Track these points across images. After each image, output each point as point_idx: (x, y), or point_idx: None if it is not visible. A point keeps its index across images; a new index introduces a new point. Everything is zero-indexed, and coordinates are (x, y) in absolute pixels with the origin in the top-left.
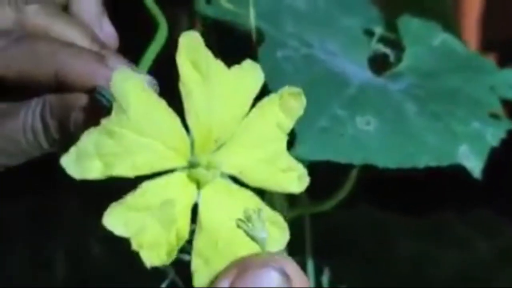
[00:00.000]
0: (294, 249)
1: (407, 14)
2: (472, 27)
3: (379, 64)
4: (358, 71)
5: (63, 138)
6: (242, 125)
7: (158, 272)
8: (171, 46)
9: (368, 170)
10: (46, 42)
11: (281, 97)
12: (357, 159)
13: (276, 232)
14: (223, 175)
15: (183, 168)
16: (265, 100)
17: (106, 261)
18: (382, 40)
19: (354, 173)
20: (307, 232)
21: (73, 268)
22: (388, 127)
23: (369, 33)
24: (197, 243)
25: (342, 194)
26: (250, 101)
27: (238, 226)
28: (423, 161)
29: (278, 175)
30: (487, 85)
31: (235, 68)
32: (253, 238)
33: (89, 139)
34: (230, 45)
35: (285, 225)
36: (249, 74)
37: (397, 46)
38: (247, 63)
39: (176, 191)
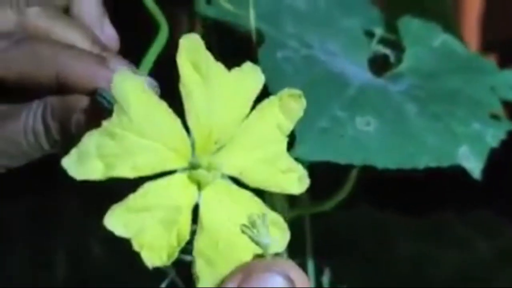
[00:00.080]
0: (295, 249)
1: (407, 15)
2: (472, 27)
3: (379, 65)
4: (358, 72)
5: (64, 139)
6: (242, 127)
7: (158, 272)
8: (171, 47)
9: (368, 171)
10: (47, 44)
11: (281, 99)
12: (357, 160)
13: (276, 234)
14: (223, 176)
15: (184, 169)
16: (265, 102)
17: (106, 261)
18: (382, 41)
19: (354, 174)
20: (307, 232)
21: (73, 268)
22: (388, 127)
23: (370, 34)
24: (198, 244)
25: (342, 194)
26: (250, 103)
27: (243, 232)
28: (423, 161)
29: (278, 176)
30: (487, 86)
31: (235, 70)
32: (257, 243)
33: (90, 140)
34: (230, 45)
35: (285, 226)
36: (249, 76)
37: (397, 47)
38: (247, 66)
39: (177, 192)
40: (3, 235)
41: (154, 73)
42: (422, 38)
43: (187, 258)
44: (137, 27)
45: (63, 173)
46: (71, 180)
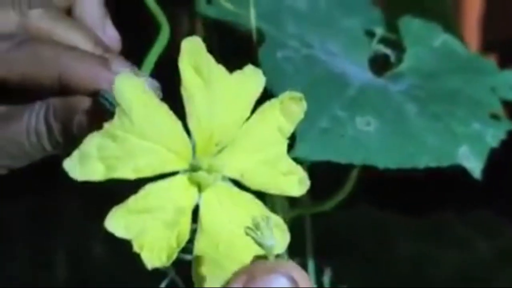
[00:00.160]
0: (295, 249)
1: (407, 15)
2: (472, 28)
3: (379, 64)
4: (358, 72)
5: (66, 141)
6: (243, 129)
7: (158, 272)
8: (172, 47)
9: (368, 171)
10: (50, 45)
11: (282, 102)
12: (357, 160)
13: (277, 235)
14: (224, 178)
15: (185, 171)
16: (266, 105)
17: (107, 262)
18: (383, 40)
19: (354, 174)
20: (307, 232)
21: (73, 269)
22: (388, 127)
23: (370, 34)
24: (198, 246)
25: (342, 194)
26: (251, 106)
27: (247, 234)
28: (423, 161)
29: (279, 178)
30: (487, 86)
31: (237, 73)
32: (261, 246)
33: (91, 142)
34: (231, 45)
35: (285, 228)
36: (251, 79)
37: (398, 46)
38: (249, 68)
39: (178, 194)
40: (3, 235)
41: (155, 75)
42: (422, 38)
43: (187, 257)
44: (138, 28)
45: (64, 173)
46: (72, 180)
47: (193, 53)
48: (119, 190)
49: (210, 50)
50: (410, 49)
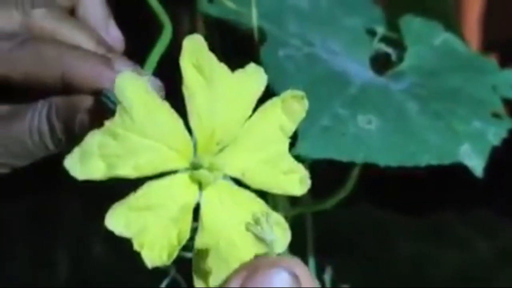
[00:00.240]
0: (296, 247)
1: (409, 14)
2: (472, 27)
3: (381, 63)
4: (360, 71)
5: (68, 139)
6: (245, 128)
7: (159, 271)
8: (174, 47)
9: (369, 170)
10: (52, 44)
11: (283, 100)
12: (359, 158)
13: (278, 233)
14: (225, 177)
15: (186, 169)
16: (268, 103)
17: (107, 261)
18: (384, 39)
19: (355, 172)
20: (308, 231)
21: (74, 268)
22: (390, 126)
23: (371, 33)
24: (199, 244)
25: (343, 192)
26: (253, 104)
27: (247, 229)
28: (424, 160)
29: (280, 177)
30: (488, 85)
31: (239, 71)
32: (262, 241)
33: (92, 140)
34: (232, 44)
35: (286, 226)
36: (252, 78)
37: (399, 45)
38: (251, 67)
39: (178, 192)
40: (3, 235)
41: (156, 73)
42: (423, 36)
43: (188, 255)
44: (139, 28)
45: (64, 173)
46: (72, 180)
47: (194, 51)
48: (119, 190)
49: (212, 49)
50: (411, 48)
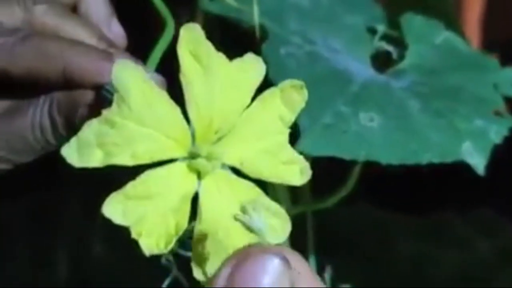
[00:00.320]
0: (296, 246)
1: (409, 12)
2: (473, 26)
3: (381, 61)
4: (361, 68)
5: (70, 134)
6: (243, 117)
7: (159, 271)
8: (175, 44)
9: (369, 169)
10: (54, 40)
11: (282, 90)
12: (361, 155)
13: (277, 223)
14: (224, 166)
15: (184, 158)
16: (267, 93)
17: (107, 261)
18: (385, 37)
19: (357, 170)
20: (309, 229)
21: (74, 268)
22: (392, 123)
23: (372, 31)
24: (197, 233)
25: (345, 191)
26: (252, 93)
27: (235, 219)
28: (426, 158)
29: (280, 167)
30: (490, 83)
31: (237, 60)
32: (251, 230)
33: (90, 129)
34: (234, 42)
35: (286, 216)
36: (251, 67)
37: (400, 43)
38: (249, 56)
39: (176, 181)
40: (3, 235)
41: (159, 70)
42: (424, 35)
43: (189, 254)
44: (140, 25)
45: (64, 173)
46: (72, 180)
47: (191, 40)
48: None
49: (212, 44)
50: (412, 46)
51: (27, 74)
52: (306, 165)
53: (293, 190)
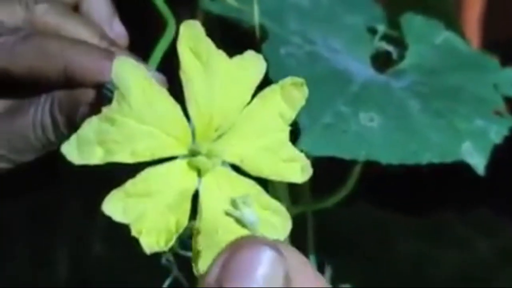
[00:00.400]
0: (296, 246)
1: (409, 12)
2: (473, 26)
3: (381, 61)
4: (361, 69)
5: (71, 133)
6: (244, 114)
7: (160, 271)
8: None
9: (369, 169)
10: (55, 39)
11: (283, 87)
12: (361, 155)
13: (278, 221)
14: (224, 163)
15: (184, 156)
16: (267, 90)
17: (107, 261)
18: (385, 37)
19: (357, 170)
20: (309, 229)
21: (74, 268)
22: (392, 123)
23: (372, 31)
24: (198, 231)
25: (345, 191)
26: (252, 91)
27: (227, 214)
28: (426, 157)
29: (280, 165)
30: (490, 83)
31: (237, 57)
32: (243, 225)
33: (89, 126)
34: (234, 42)
35: (287, 214)
36: (251, 64)
37: (400, 44)
38: (249, 53)
39: (177, 178)
40: (3, 235)
41: (160, 69)
42: (424, 35)
43: (190, 254)
44: (142, 24)
45: (64, 172)
46: (72, 180)
47: (191, 37)
48: None
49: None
50: (412, 46)
51: (28, 73)
52: (307, 162)
53: (293, 190)
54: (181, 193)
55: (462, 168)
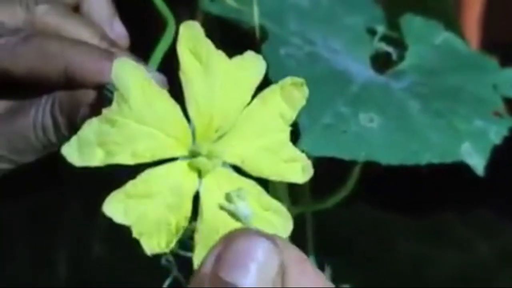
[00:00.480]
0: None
1: (409, 13)
2: (472, 27)
3: (381, 62)
4: (360, 69)
5: (72, 134)
6: (244, 115)
7: (159, 271)
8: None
9: (369, 169)
10: (55, 40)
11: (283, 88)
12: (360, 156)
13: (279, 222)
14: (224, 164)
15: (184, 157)
16: (267, 90)
17: (107, 261)
18: (385, 38)
19: (356, 170)
20: (308, 230)
21: (74, 268)
22: (391, 124)
23: (372, 32)
24: (199, 232)
25: (344, 191)
26: (252, 91)
27: (221, 208)
28: (426, 158)
29: (281, 165)
30: (489, 84)
31: (237, 58)
32: (237, 218)
33: (90, 128)
34: (234, 42)
35: (288, 215)
36: (251, 64)
37: (399, 44)
38: (249, 54)
39: (177, 179)
40: (3, 235)
41: (160, 69)
42: (424, 36)
43: (189, 255)
44: (142, 25)
45: (64, 172)
46: (72, 180)
47: (191, 37)
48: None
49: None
50: (412, 47)
51: (29, 74)
52: (308, 163)
53: (293, 191)
54: (181, 194)
55: (461, 169)
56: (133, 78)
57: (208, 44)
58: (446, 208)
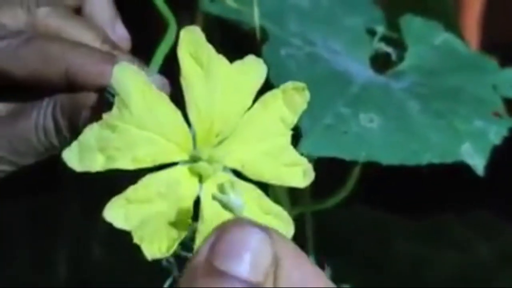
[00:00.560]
0: None
1: (409, 14)
2: (472, 27)
3: (381, 63)
4: (360, 70)
5: (73, 137)
6: (245, 119)
7: (159, 271)
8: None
9: (369, 170)
10: (57, 42)
11: (284, 92)
12: (361, 156)
13: (280, 226)
14: (225, 169)
15: (185, 162)
16: (268, 95)
17: (107, 261)
18: (384, 39)
19: (356, 171)
20: (308, 230)
21: (74, 269)
22: (392, 124)
23: (372, 32)
24: (199, 236)
25: (344, 192)
26: (253, 95)
27: (213, 199)
28: (426, 158)
29: (281, 169)
30: (489, 84)
31: (238, 62)
32: (230, 209)
33: (91, 133)
34: (234, 43)
35: (289, 219)
36: (252, 69)
37: (399, 45)
38: (250, 58)
39: (178, 184)
40: (3, 236)
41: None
42: (423, 36)
43: (190, 255)
44: (144, 27)
45: (64, 174)
46: (72, 180)
47: (192, 42)
48: (120, 190)
49: (212, 46)
50: (411, 47)
51: (30, 76)
52: (309, 166)
53: (292, 191)
54: (182, 199)
55: (461, 169)
56: (133, 83)
57: (209, 49)
58: (445, 209)
